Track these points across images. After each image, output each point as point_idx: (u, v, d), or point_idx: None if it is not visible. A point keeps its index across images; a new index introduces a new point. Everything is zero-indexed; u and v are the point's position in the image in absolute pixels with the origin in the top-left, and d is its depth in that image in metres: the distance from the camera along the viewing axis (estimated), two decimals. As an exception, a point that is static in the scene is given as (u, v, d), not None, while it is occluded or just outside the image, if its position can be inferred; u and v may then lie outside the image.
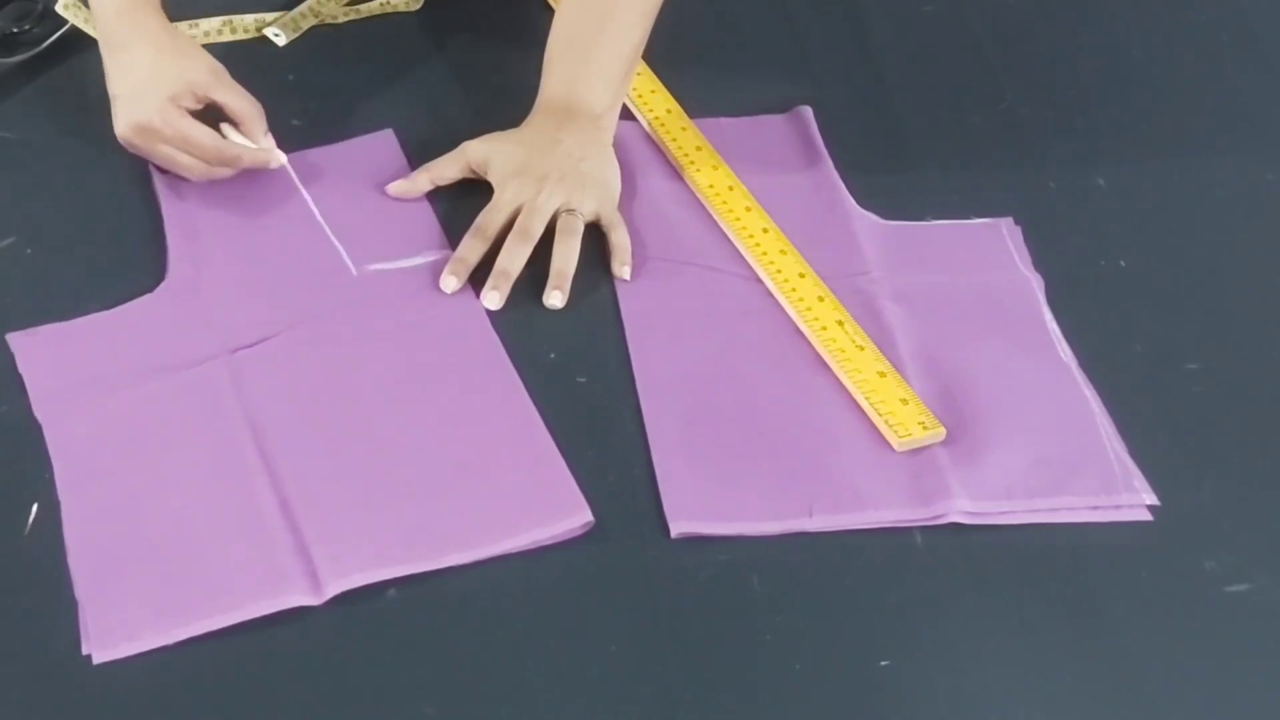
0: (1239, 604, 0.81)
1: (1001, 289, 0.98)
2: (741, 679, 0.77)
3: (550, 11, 1.15)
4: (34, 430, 0.86)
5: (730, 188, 1.02)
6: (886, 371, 0.90)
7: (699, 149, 1.05)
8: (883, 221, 1.01)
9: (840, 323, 0.93)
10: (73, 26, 1.10)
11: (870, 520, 0.83)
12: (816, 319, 0.94)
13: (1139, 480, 0.86)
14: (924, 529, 0.83)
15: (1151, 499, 0.85)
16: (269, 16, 1.14)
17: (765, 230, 0.99)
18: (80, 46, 1.09)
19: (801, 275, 0.96)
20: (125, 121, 0.97)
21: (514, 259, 0.95)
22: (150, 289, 0.93)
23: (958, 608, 0.80)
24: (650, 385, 0.90)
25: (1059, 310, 0.96)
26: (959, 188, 1.05)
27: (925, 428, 0.87)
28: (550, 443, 0.86)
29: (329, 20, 1.15)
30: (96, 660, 0.76)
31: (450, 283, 0.94)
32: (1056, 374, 0.92)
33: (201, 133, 0.97)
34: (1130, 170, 1.07)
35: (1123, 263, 1.00)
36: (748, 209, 1.01)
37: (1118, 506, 0.85)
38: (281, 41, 1.12)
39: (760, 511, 0.84)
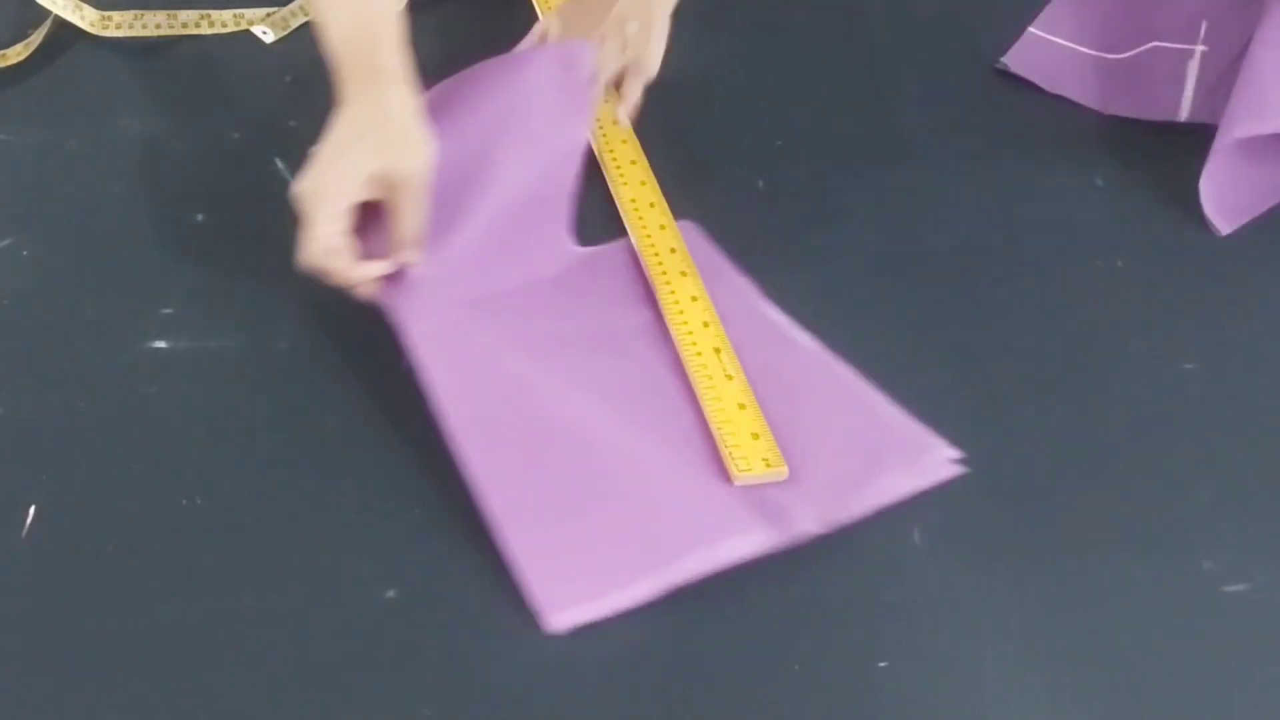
0: (1237, 604, 0.81)
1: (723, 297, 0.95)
2: (741, 679, 0.77)
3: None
4: (31, 432, 0.85)
5: (651, 204, 1.00)
6: (747, 404, 0.87)
7: (633, 162, 1.03)
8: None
9: (717, 350, 0.90)
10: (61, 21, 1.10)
11: (724, 553, 0.80)
12: (694, 344, 0.91)
13: (929, 436, 0.85)
14: (923, 528, 0.83)
15: (953, 452, 0.85)
16: (248, 13, 1.14)
17: (673, 250, 0.97)
18: (77, 46, 1.09)
19: (694, 299, 0.93)
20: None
21: None
22: (152, 290, 0.93)
23: (957, 608, 0.80)
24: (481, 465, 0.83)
25: (1056, 309, 0.96)
26: (956, 186, 1.05)
27: (768, 465, 0.84)
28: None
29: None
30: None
31: None
32: (814, 364, 0.90)
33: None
34: (1127, 169, 1.07)
35: (1119, 263, 1.00)
36: (662, 226, 0.98)
37: (931, 469, 0.85)
38: (269, 39, 1.12)
39: (624, 576, 0.79)
